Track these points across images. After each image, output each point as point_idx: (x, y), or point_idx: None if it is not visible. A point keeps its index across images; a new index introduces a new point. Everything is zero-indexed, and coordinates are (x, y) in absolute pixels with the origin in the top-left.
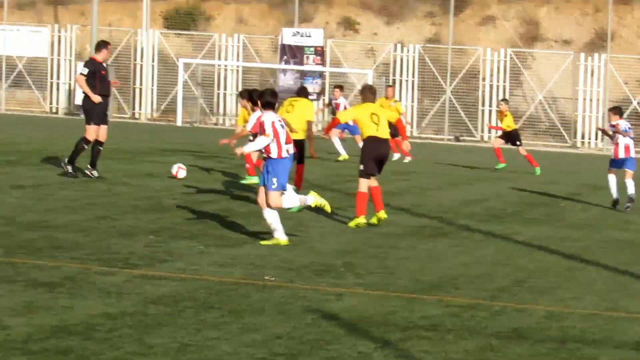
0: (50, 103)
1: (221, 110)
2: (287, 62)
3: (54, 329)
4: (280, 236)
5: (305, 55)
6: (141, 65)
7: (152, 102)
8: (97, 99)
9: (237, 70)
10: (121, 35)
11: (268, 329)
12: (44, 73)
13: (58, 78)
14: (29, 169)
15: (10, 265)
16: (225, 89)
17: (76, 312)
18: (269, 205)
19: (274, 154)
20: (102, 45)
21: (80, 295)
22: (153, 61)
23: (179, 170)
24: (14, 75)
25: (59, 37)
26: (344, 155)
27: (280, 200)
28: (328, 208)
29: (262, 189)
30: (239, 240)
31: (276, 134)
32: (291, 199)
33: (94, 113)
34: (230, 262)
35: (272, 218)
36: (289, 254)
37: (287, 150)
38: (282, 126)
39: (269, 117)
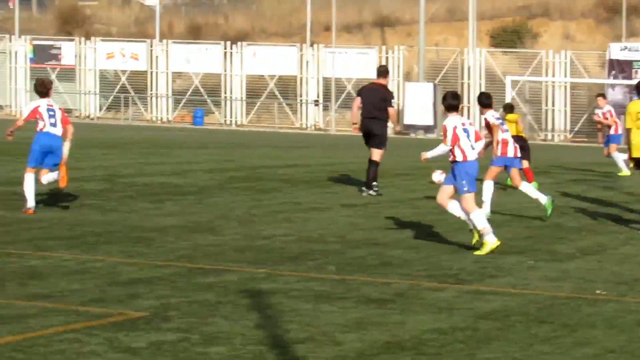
0: None
1: (549, 127)
2: (615, 77)
3: (385, 345)
4: (490, 239)
5: (634, 70)
6: (468, 84)
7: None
8: (398, 128)
9: (565, 87)
10: (447, 55)
11: (600, 343)
12: None
13: None
14: (360, 188)
15: (342, 283)
16: (553, 105)
17: (407, 328)
18: (469, 209)
19: (458, 157)
20: (387, 72)
21: (411, 311)
22: (480, 79)
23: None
24: (343, 97)
25: (386, 58)
26: (625, 171)
27: (471, 206)
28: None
29: (442, 189)
30: (568, 255)
31: (455, 140)
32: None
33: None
34: (560, 276)
35: (477, 220)
36: (620, 268)
37: (474, 151)
38: (465, 130)
39: (451, 122)
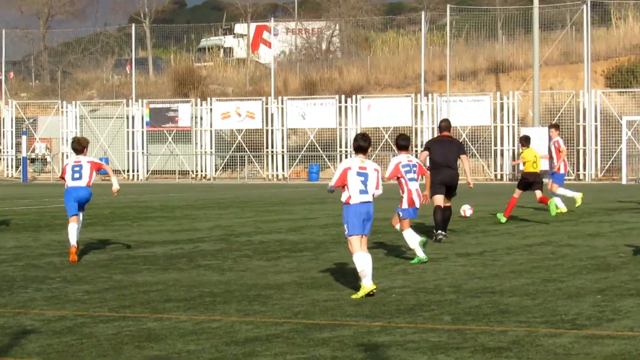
0: (495, 170)
1: None
2: None
3: None
4: (366, 283)
5: None
6: (584, 127)
7: (596, 162)
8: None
9: None
10: (563, 98)
11: None
12: (488, 141)
13: (501, 145)
14: (475, 236)
15: (458, 332)
16: None
17: None
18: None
19: (343, 198)
20: (451, 125)
21: (528, 358)
22: (595, 121)
23: (466, 210)
24: None
25: (501, 104)
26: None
27: (352, 249)
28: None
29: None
30: None
31: (342, 181)
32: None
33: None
34: None
35: (360, 262)
36: None
37: (363, 197)
38: (359, 173)
39: (344, 164)
